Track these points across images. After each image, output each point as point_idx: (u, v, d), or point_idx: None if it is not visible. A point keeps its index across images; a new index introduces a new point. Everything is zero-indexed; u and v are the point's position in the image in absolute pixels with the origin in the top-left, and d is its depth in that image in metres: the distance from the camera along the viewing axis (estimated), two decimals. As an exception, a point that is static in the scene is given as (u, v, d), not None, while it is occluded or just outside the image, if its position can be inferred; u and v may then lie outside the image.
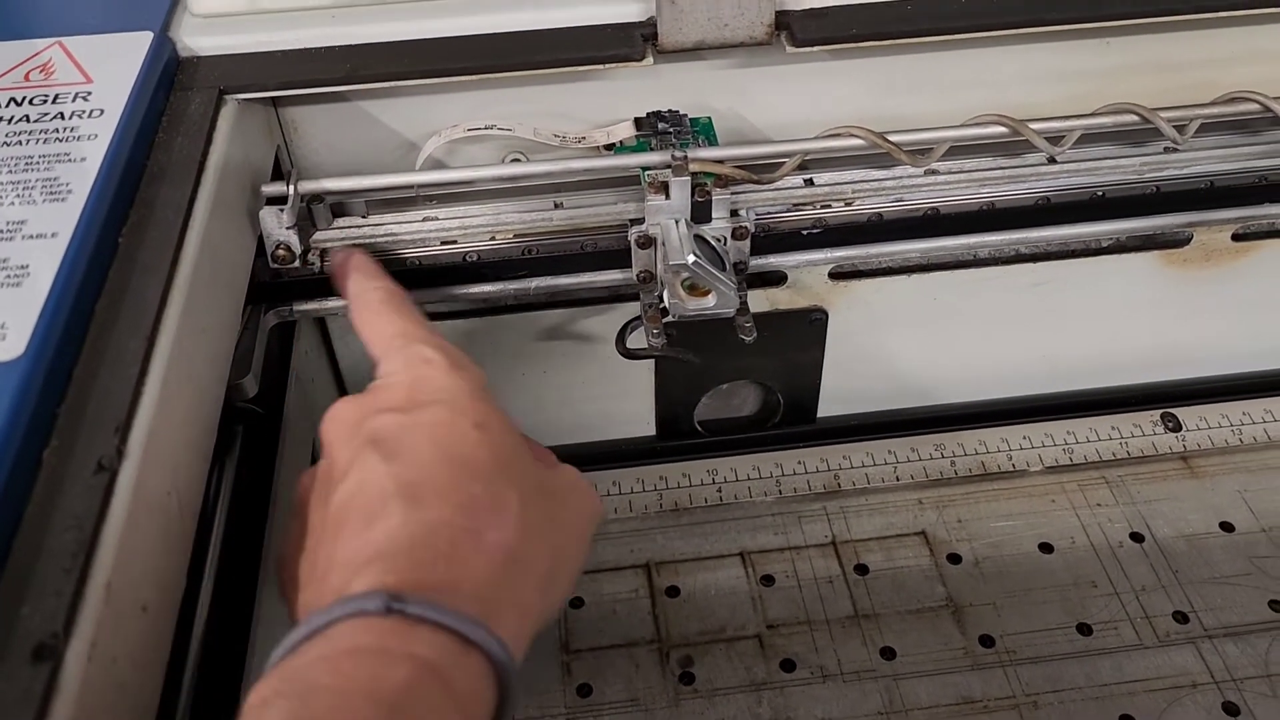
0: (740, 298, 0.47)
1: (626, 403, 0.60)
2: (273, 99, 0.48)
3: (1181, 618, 0.53)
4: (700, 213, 0.46)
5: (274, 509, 0.44)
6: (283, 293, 0.48)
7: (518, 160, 0.51)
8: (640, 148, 0.48)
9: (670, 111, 0.49)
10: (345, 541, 0.31)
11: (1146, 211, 0.51)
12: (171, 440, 0.33)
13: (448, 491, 0.31)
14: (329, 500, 0.33)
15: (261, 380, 0.46)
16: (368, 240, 0.47)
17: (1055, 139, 0.49)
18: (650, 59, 0.46)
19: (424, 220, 0.48)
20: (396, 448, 0.33)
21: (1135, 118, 0.48)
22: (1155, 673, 0.51)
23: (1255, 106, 0.48)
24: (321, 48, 0.46)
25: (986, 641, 0.53)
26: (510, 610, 0.31)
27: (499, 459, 0.33)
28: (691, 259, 0.44)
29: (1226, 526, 0.57)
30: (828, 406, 0.62)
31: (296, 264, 0.46)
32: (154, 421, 0.32)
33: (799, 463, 0.60)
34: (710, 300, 0.46)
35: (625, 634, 0.54)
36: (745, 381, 0.61)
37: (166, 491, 0.33)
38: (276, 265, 0.45)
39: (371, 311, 0.40)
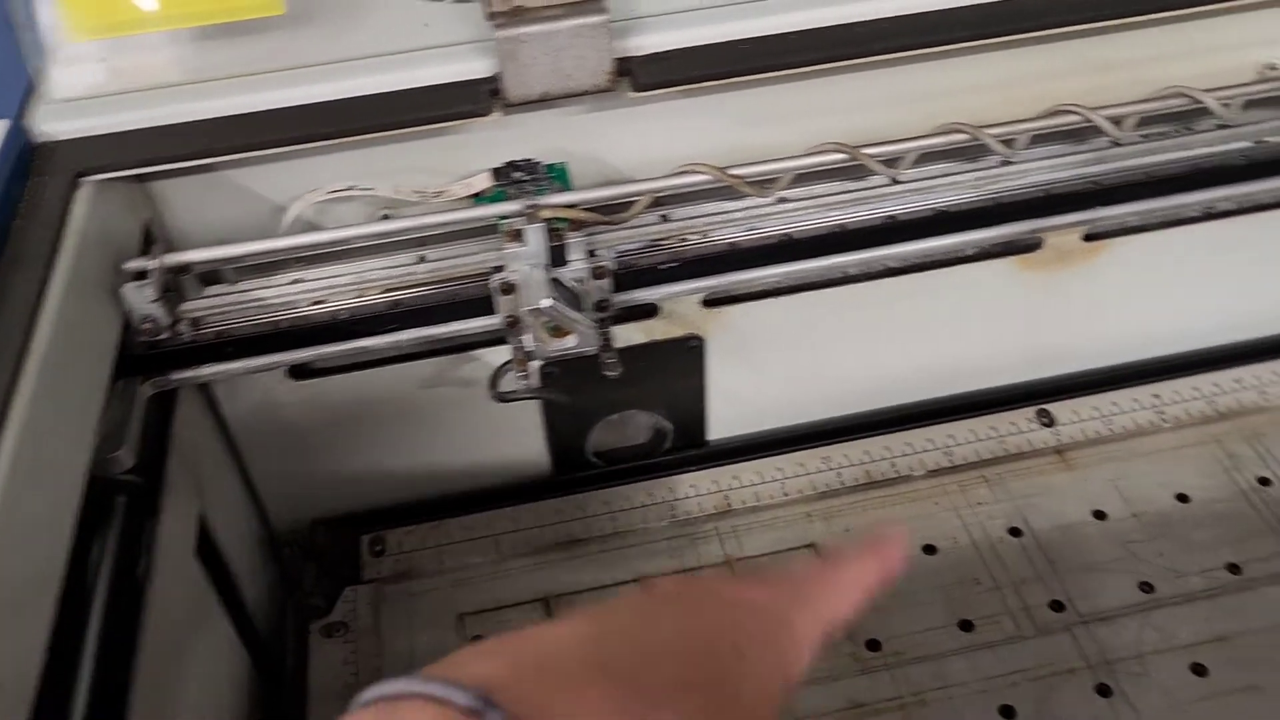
0: (603, 336, 0.49)
1: (520, 441, 0.62)
2: (138, 175, 0.49)
3: (1058, 606, 0.56)
4: (557, 256, 0.48)
5: (154, 574, 0.45)
6: (158, 363, 0.49)
7: (387, 217, 0.53)
8: (498, 197, 0.50)
9: (525, 160, 0.51)
10: (517, 635, 0.29)
11: (991, 222, 0.53)
12: (22, 521, 0.34)
13: (641, 654, 0.28)
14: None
15: (141, 450, 0.47)
16: (237, 306, 0.49)
17: (893, 161, 0.51)
18: (498, 113, 0.48)
19: (292, 282, 0.49)
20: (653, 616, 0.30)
21: (965, 135, 0.50)
22: (1034, 662, 0.54)
23: (1077, 118, 0.51)
24: (178, 124, 0.47)
25: (873, 645, 0.55)
26: None
27: (723, 684, 0.29)
28: (547, 303, 0.46)
29: (1099, 515, 0.60)
30: (717, 429, 0.64)
31: (165, 335, 0.47)
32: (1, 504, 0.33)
33: (691, 486, 0.62)
34: (571, 340, 0.48)
35: (528, 668, 0.55)
36: (634, 411, 0.63)
37: (19, 575, 0.34)
38: (144, 338, 0.46)
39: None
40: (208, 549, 0.52)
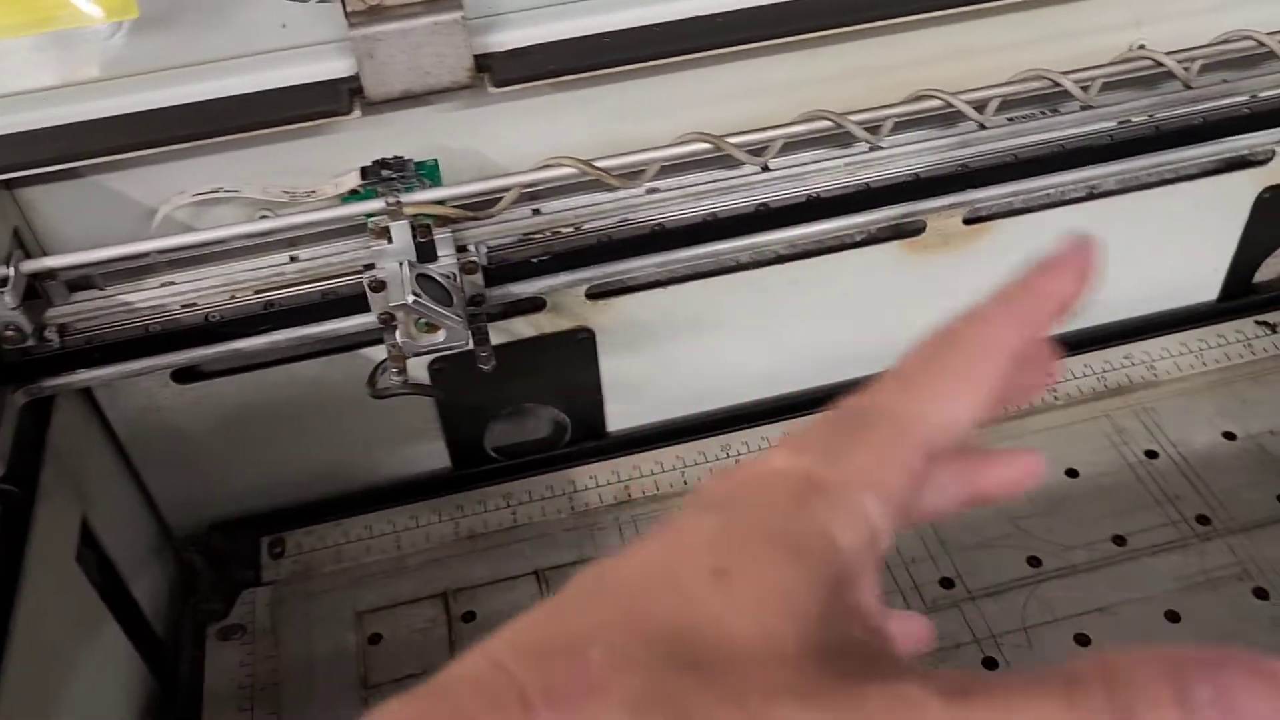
0: (478, 330, 0.49)
1: (417, 438, 0.62)
2: (4, 181, 0.49)
3: (947, 583, 0.57)
4: (424, 252, 0.48)
5: (25, 582, 0.45)
6: (29, 370, 0.49)
7: (266, 217, 0.53)
8: (367, 195, 0.50)
9: (395, 158, 0.51)
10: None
11: (863, 207, 0.54)
12: None
13: (552, 630, 0.21)
14: None
15: (14, 458, 0.47)
16: (106, 311, 0.49)
17: (760, 149, 0.52)
18: (358, 111, 0.48)
19: (161, 286, 0.50)
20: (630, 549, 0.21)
21: (829, 123, 0.51)
22: (921, 639, 0.54)
23: (940, 103, 0.52)
24: (39, 129, 0.47)
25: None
26: None
27: (691, 634, 0.20)
28: (410, 299, 0.46)
29: (990, 492, 0.61)
30: (616, 420, 0.65)
31: (30, 342, 0.47)
32: None
33: (591, 477, 0.63)
34: (440, 336, 0.48)
35: (424, 663, 0.55)
36: (533, 405, 0.63)
37: None
38: (8, 346, 0.46)
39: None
40: (91, 555, 0.52)
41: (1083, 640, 0.53)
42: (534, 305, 0.57)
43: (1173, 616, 0.54)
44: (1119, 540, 0.58)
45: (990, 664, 0.53)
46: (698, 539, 0.21)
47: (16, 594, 0.44)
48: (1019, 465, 0.25)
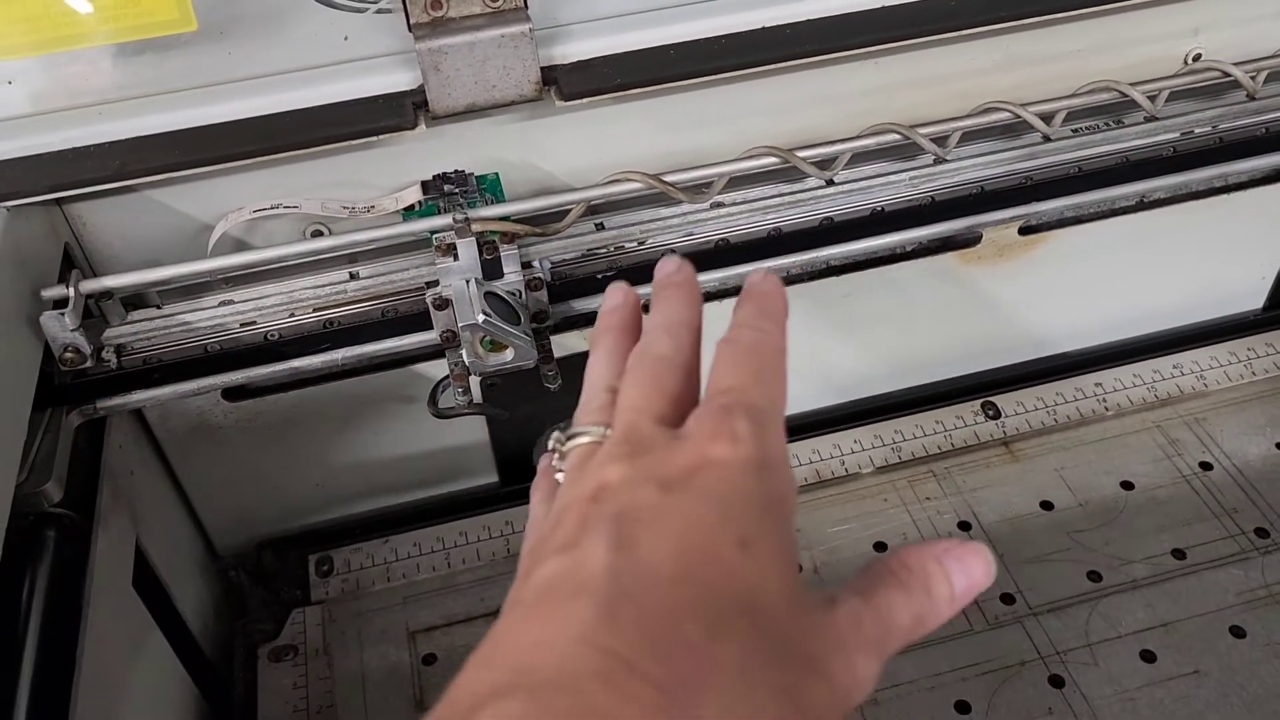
0: (542, 347, 0.48)
1: (466, 453, 0.61)
2: (56, 199, 0.48)
3: (1008, 599, 0.56)
4: (490, 270, 0.47)
5: (89, 608, 0.44)
6: (85, 392, 0.48)
7: (319, 233, 0.52)
8: (429, 211, 0.49)
9: (456, 172, 0.50)
10: (525, 629, 0.25)
11: (927, 220, 0.53)
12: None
13: (656, 619, 0.24)
14: (540, 562, 0.27)
15: (71, 482, 0.46)
16: (164, 331, 0.47)
17: (827, 162, 0.51)
18: (423, 126, 0.47)
19: (220, 305, 0.48)
20: (634, 536, 0.26)
21: (897, 135, 0.50)
22: (985, 656, 0.54)
23: (1007, 115, 0.51)
24: (94, 145, 0.46)
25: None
26: None
27: (745, 596, 0.25)
28: (481, 318, 0.45)
29: (1046, 506, 0.60)
30: (665, 433, 0.64)
31: (89, 364, 0.45)
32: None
33: (641, 492, 0.62)
34: (509, 355, 0.47)
35: (480, 684, 0.54)
36: (582, 418, 0.62)
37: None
38: (66, 368, 0.45)
39: (735, 350, 0.31)
40: (146, 578, 0.51)
41: (1148, 657, 0.53)
42: (590, 320, 0.56)
43: (1238, 632, 0.54)
44: (1178, 554, 0.57)
45: (1057, 682, 0.52)
46: (722, 519, 0.26)
47: (81, 624, 0.43)
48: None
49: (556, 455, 0.32)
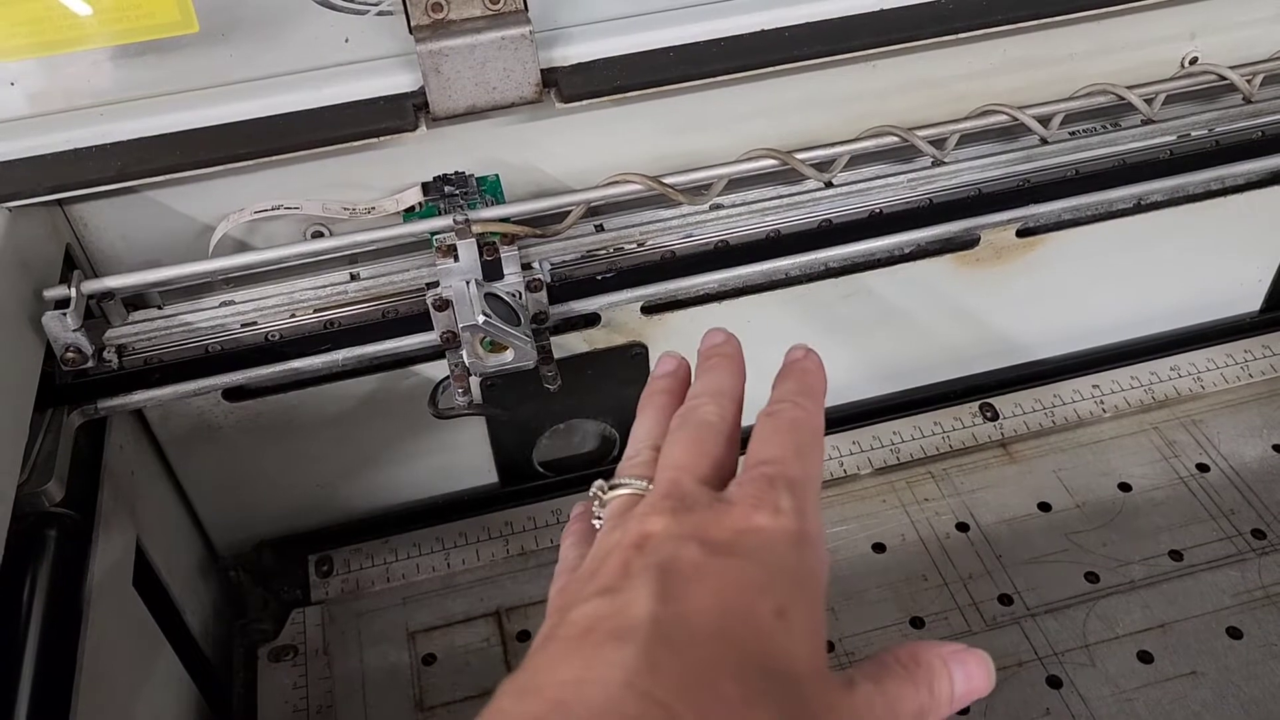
0: (541, 348, 0.49)
1: (465, 453, 0.61)
2: (57, 200, 0.48)
3: (1006, 600, 0.56)
4: (491, 271, 0.47)
5: (90, 608, 0.44)
6: (86, 392, 0.48)
7: (319, 234, 0.52)
8: (429, 212, 0.50)
9: (456, 174, 0.51)
10: (564, 665, 0.26)
11: (925, 222, 0.54)
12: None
13: (697, 671, 0.25)
14: (580, 602, 0.28)
15: (72, 482, 0.46)
16: (165, 331, 0.48)
17: (826, 165, 0.51)
18: (424, 127, 0.47)
19: (221, 305, 0.49)
20: (677, 590, 0.27)
21: (896, 138, 0.51)
22: (983, 656, 0.54)
23: (1005, 117, 0.51)
24: (94, 146, 0.46)
25: (827, 647, 0.55)
26: None
27: (777, 662, 0.26)
28: (481, 319, 0.45)
29: (1044, 507, 0.61)
30: (664, 434, 0.64)
31: (90, 364, 0.46)
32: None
33: (640, 493, 0.62)
34: (508, 355, 0.47)
35: (480, 684, 0.55)
36: (581, 420, 0.62)
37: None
38: (68, 368, 0.45)
39: (777, 424, 0.33)
40: (146, 578, 0.51)
41: (1146, 657, 0.53)
42: (589, 321, 0.56)
43: (1234, 633, 0.54)
44: (1176, 555, 0.58)
45: (1054, 682, 0.53)
46: (763, 585, 0.27)
47: (82, 623, 0.43)
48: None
49: (596, 502, 0.33)
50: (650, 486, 0.32)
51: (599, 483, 0.34)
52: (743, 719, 0.25)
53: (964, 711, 0.52)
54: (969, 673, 0.30)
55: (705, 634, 0.26)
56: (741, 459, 0.33)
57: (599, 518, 0.33)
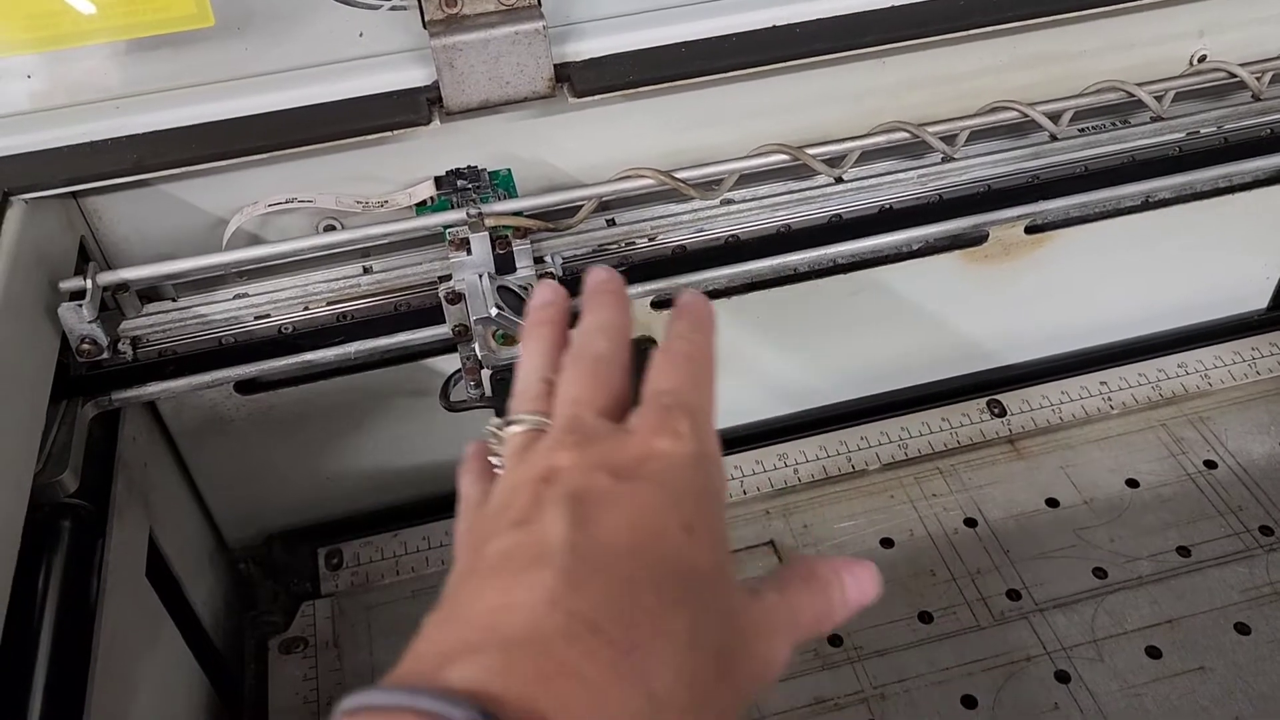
0: (553, 341, 0.49)
1: (475, 448, 0.61)
2: (72, 192, 0.48)
3: (1014, 595, 0.57)
4: (503, 264, 0.48)
5: (104, 598, 0.44)
6: (100, 383, 0.48)
7: (332, 227, 0.52)
8: (442, 206, 0.50)
9: (469, 168, 0.51)
10: (485, 594, 0.27)
11: (935, 218, 0.54)
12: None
13: (616, 588, 0.27)
14: (493, 536, 0.29)
15: (87, 472, 0.46)
16: (179, 323, 0.48)
17: (836, 160, 0.51)
18: (437, 121, 0.47)
19: (235, 298, 0.49)
20: (589, 515, 0.28)
21: (906, 134, 0.51)
22: (992, 651, 0.54)
23: (1015, 114, 0.52)
24: (109, 139, 0.46)
25: (834, 641, 0.55)
26: None
27: (690, 574, 0.28)
28: (494, 312, 0.45)
29: (1052, 503, 0.61)
30: (673, 430, 0.64)
31: (105, 355, 0.46)
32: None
33: (649, 487, 0.62)
34: (519, 348, 0.47)
35: (489, 677, 0.55)
36: (590, 414, 0.62)
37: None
38: (83, 359, 0.45)
39: (671, 358, 0.34)
40: (159, 569, 0.51)
41: (1154, 653, 0.53)
42: (600, 315, 0.56)
43: (1242, 629, 0.54)
44: (1183, 551, 0.58)
45: (1063, 677, 0.53)
46: (670, 505, 0.29)
47: (97, 613, 0.44)
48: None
49: (494, 439, 0.34)
50: (546, 421, 0.32)
51: (495, 420, 0.34)
52: (662, 624, 0.26)
53: (972, 705, 0.52)
54: (859, 580, 0.32)
55: (620, 553, 0.28)
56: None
57: (498, 454, 0.34)
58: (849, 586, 0.32)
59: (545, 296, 0.38)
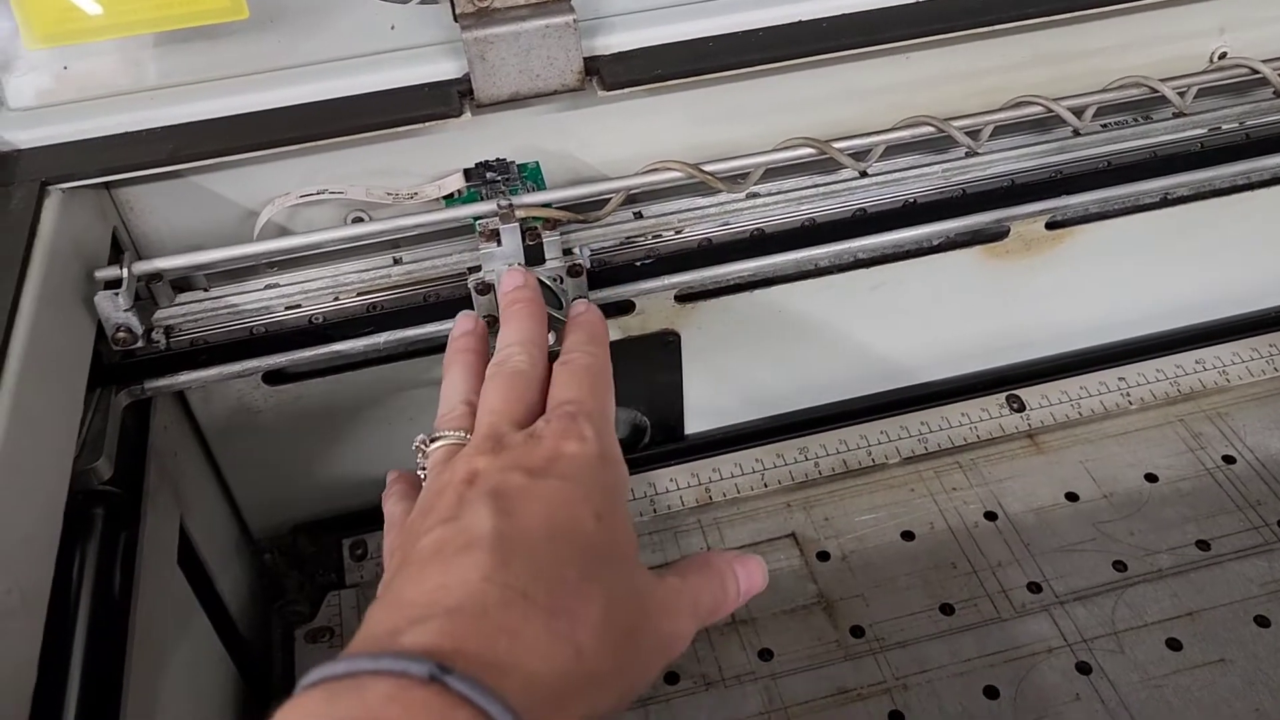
0: (581, 332, 0.49)
1: (498, 440, 0.62)
2: (105, 183, 0.49)
3: (1035, 588, 0.57)
4: (533, 255, 0.48)
5: (138, 584, 0.45)
6: (133, 372, 0.48)
7: (360, 219, 0.53)
8: (471, 198, 0.50)
9: (498, 160, 0.51)
10: (423, 579, 0.30)
11: (958, 213, 0.54)
12: (6, 536, 0.34)
13: (540, 564, 0.31)
14: (424, 534, 0.32)
15: (119, 460, 0.47)
16: (211, 313, 0.48)
17: (862, 154, 0.52)
18: (468, 114, 0.48)
19: (266, 288, 0.49)
20: (510, 508, 0.32)
21: (931, 128, 0.51)
22: (1013, 643, 0.55)
23: (1039, 109, 0.52)
24: (143, 130, 0.47)
25: (857, 632, 0.55)
26: (555, 710, 0.29)
27: (603, 554, 0.32)
28: (524, 302, 0.46)
29: (1071, 497, 0.61)
30: (694, 423, 0.65)
31: (140, 344, 0.46)
32: (-18, 520, 0.32)
33: (671, 480, 0.63)
34: (550, 339, 0.48)
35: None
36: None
37: (6, 589, 0.34)
38: (119, 347, 0.46)
39: (572, 370, 0.39)
40: (189, 557, 0.52)
41: (1175, 645, 0.54)
42: (624, 308, 0.57)
43: (1262, 621, 0.54)
44: (1203, 545, 0.58)
45: (1084, 668, 0.53)
46: (581, 497, 0.33)
47: (132, 599, 0.44)
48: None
49: (420, 455, 0.38)
50: (468, 437, 0.37)
51: (420, 437, 0.38)
52: (583, 593, 0.31)
53: (994, 695, 0.52)
54: (749, 572, 0.37)
55: (540, 537, 0.32)
56: None
57: (423, 468, 0.38)
58: (741, 577, 0.37)
59: (466, 327, 0.43)
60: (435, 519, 0.33)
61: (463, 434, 0.37)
